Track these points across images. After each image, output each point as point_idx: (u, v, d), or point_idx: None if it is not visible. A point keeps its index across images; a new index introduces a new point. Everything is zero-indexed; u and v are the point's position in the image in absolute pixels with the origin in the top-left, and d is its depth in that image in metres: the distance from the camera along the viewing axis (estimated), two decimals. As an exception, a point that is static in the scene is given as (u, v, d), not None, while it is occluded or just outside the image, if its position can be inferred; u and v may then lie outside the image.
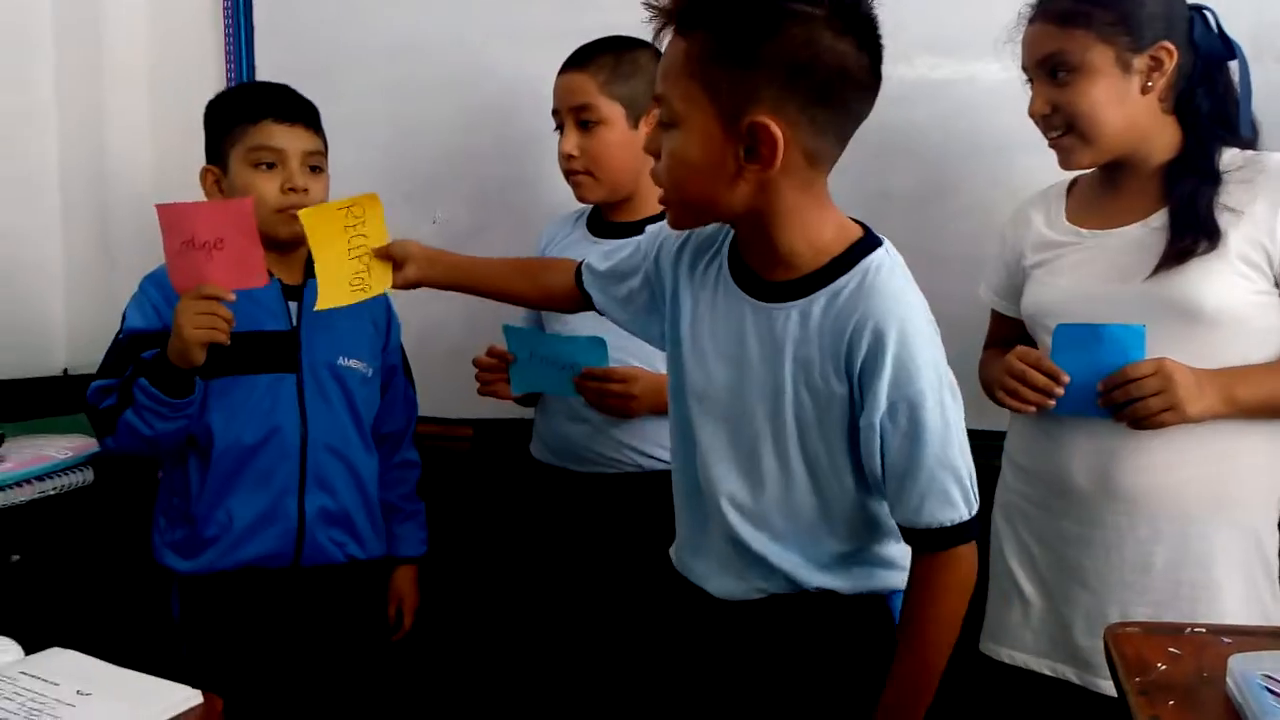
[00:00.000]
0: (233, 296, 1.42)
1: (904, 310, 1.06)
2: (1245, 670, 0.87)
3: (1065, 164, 1.39)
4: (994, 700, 1.44)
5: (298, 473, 1.57)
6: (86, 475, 1.73)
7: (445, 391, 1.80)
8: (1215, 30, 1.36)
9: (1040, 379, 1.32)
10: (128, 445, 1.51)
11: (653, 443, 1.59)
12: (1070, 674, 1.37)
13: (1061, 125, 1.35)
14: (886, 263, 1.08)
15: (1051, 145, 1.39)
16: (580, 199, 1.65)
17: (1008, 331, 1.52)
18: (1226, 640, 0.98)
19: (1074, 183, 1.48)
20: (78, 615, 1.63)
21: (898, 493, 1.08)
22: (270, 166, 1.56)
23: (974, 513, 1.08)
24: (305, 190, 1.56)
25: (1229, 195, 1.30)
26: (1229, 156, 1.34)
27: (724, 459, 1.15)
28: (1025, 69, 1.39)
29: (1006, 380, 1.36)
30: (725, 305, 1.15)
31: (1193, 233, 1.28)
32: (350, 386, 1.63)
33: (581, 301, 1.35)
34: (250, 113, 1.57)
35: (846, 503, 1.13)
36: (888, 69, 1.08)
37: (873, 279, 1.07)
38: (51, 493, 1.68)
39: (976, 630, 1.47)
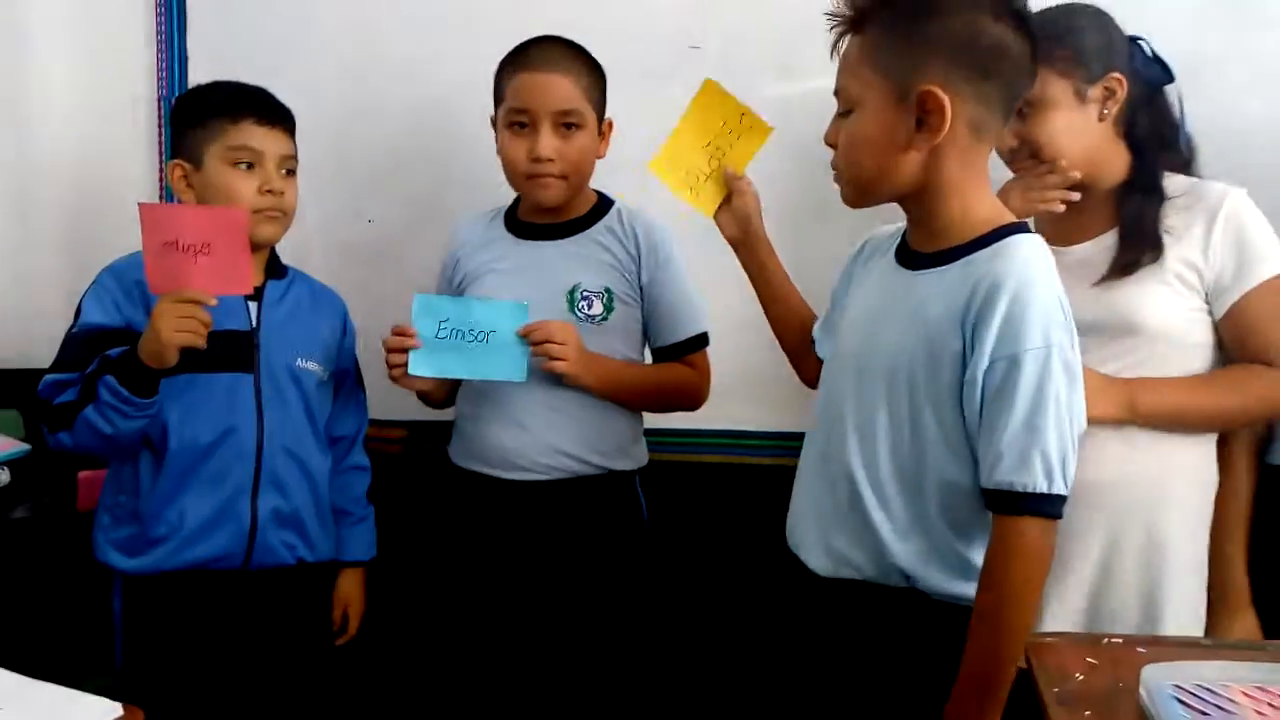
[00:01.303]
0: (215, 301, 1.43)
1: (1027, 275, 1.12)
2: (1157, 681, 0.93)
3: None
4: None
5: (252, 473, 1.56)
6: (2, 477, 1.68)
7: (377, 392, 1.78)
8: (1153, 57, 1.47)
9: None
10: (85, 443, 1.48)
11: (589, 449, 1.62)
12: None
13: (1026, 156, 1.44)
14: (1029, 242, 1.17)
15: (1012, 167, 1.48)
16: (540, 201, 1.61)
17: None
18: (1141, 650, 1.03)
19: None
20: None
21: (984, 451, 1.13)
22: (249, 167, 1.56)
23: (1054, 491, 1.10)
24: (282, 193, 1.58)
25: (1169, 218, 1.41)
26: (1175, 184, 1.45)
27: (850, 420, 1.23)
28: None
29: None
30: (879, 281, 1.28)
31: (1138, 245, 1.40)
32: (306, 388, 1.63)
33: (818, 366, 1.40)
34: (231, 111, 1.56)
35: (945, 473, 1.17)
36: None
37: (1009, 249, 1.15)
38: (-34, 494, 1.62)
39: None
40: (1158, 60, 1.48)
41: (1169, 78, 1.48)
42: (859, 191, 1.24)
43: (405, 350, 1.53)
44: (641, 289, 1.65)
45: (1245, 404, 1.41)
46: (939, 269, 1.19)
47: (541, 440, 1.60)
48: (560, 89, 1.58)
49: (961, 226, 1.19)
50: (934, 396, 1.16)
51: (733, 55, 1.84)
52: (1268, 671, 0.93)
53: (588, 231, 1.65)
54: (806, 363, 1.47)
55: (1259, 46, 1.68)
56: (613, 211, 1.67)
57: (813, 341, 1.46)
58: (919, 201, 1.22)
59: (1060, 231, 1.47)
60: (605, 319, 1.62)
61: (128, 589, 1.56)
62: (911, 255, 1.24)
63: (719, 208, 1.50)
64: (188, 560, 1.53)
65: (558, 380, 1.56)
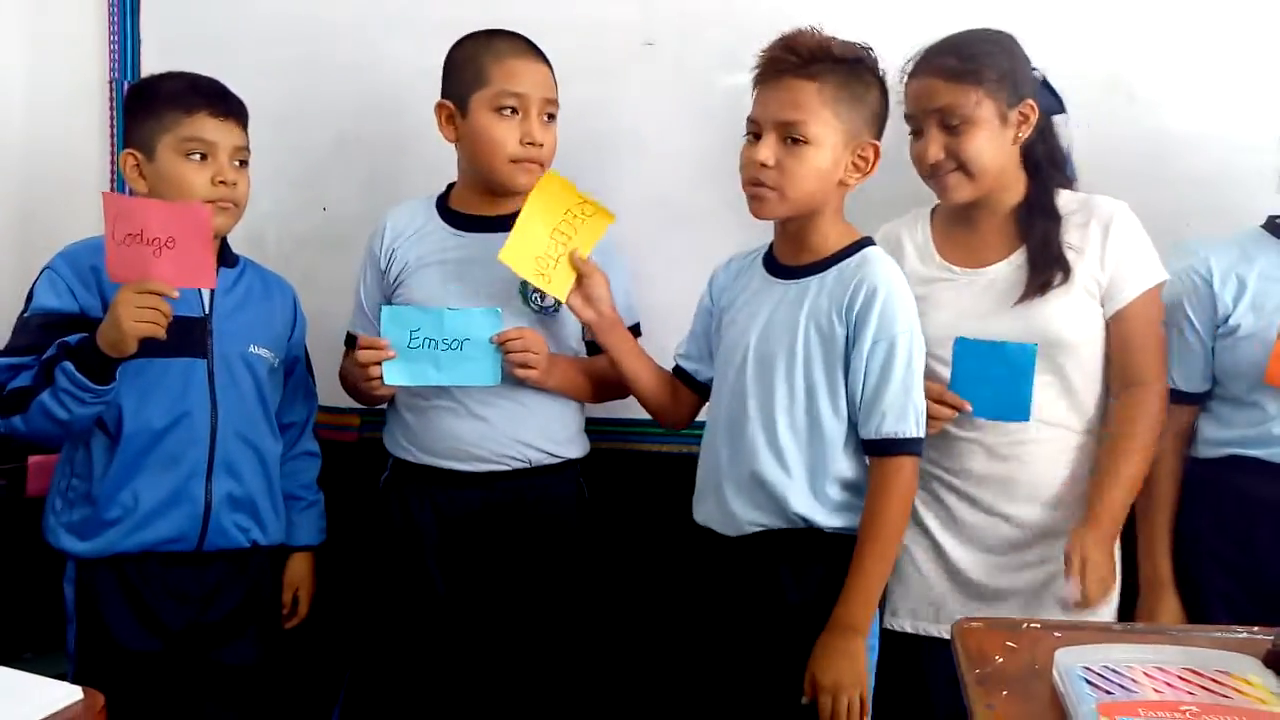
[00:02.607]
0: (176, 294, 1.45)
1: (893, 280, 1.45)
2: (1068, 663, 0.98)
3: (948, 198, 1.56)
4: (901, 666, 1.57)
5: (206, 457, 1.58)
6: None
7: (332, 380, 1.79)
8: (1046, 86, 1.58)
9: (946, 411, 1.51)
10: (39, 428, 1.49)
11: (547, 439, 1.66)
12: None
13: (951, 169, 1.52)
14: (880, 252, 1.49)
15: (933, 179, 1.55)
16: (521, 187, 1.61)
17: None
18: (1057, 634, 1.08)
19: (932, 213, 1.65)
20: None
21: (868, 412, 1.43)
22: (202, 158, 1.57)
23: (920, 435, 1.43)
24: (234, 184, 1.59)
25: (1069, 235, 1.53)
26: (1064, 199, 1.57)
27: (752, 399, 1.47)
28: (910, 117, 1.55)
29: None
30: (758, 289, 1.53)
31: (1049, 268, 1.52)
32: (259, 374, 1.65)
33: (690, 399, 1.63)
34: (186, 103, 1.57)
35: (834, 430, 1.45)
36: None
37: (873, 257, 1.47)
38: (-91, 479, 1.61)
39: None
40: (1052, 91, 1.59)
41: (1061, 108, 1.59)
42: (790, 209, 1.46)
43: (379, 362, 1.57)
44: None
45: (1148, 444, 1.53)
46: (818, 275, 1.47)
47: (503, 432, 1.63)
48: (548, 78, 1.64)
49: (832, 241, 1.48)
50: (826, 370, 1.44)
51: (686, 51, 1.88)
52: (1166, 654, 1.00)
53: None
54: (672, 410, 1.65)
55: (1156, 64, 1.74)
56: None
57: (684, 375, 1.63)
58: (809, 221, 1.47)
59: (972, 255, 1.58)
60: (556, 311, 1.65)
61: (81, 573, 1.57)
62: (785, 269, 1.50)
63: (571, 292, 1.57)
64: (141, 542, 1.55)
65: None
